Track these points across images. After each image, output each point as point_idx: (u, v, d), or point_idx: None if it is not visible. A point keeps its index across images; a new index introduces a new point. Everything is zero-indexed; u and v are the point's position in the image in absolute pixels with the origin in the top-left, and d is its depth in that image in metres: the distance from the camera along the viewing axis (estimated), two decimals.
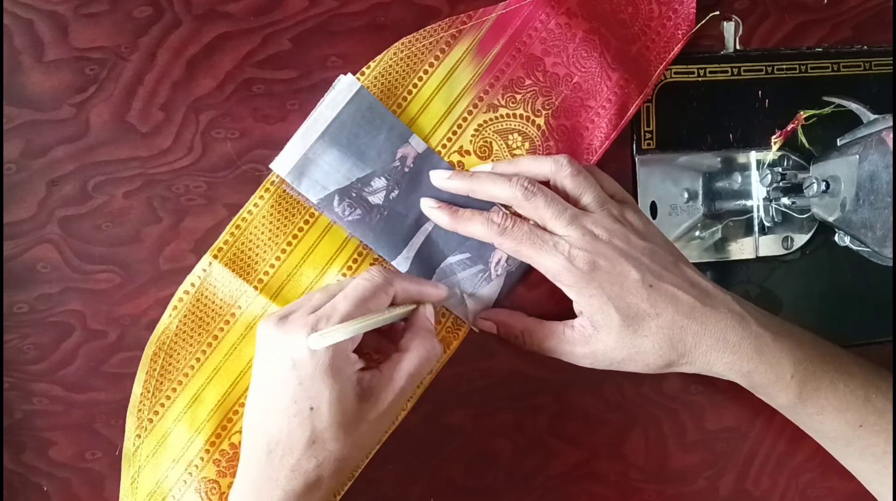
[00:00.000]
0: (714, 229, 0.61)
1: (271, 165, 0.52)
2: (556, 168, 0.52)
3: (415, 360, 0.48)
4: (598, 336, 0.51)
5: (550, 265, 0.51)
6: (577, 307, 0.52)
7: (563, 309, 0.53)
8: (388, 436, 0.54)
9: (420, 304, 0.51)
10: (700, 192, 0.60)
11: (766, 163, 0.60)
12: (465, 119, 0.55)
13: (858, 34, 0.62)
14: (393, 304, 0.49)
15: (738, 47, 0.60)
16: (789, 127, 0.60)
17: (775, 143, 0.60)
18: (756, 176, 0.60)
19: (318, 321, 0.45)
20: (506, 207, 0.54)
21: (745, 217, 0.61)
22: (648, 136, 0.59)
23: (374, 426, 0.48)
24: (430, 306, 0.51)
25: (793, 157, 0.61)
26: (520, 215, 0.52)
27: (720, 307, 0.51)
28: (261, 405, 0.47)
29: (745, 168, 0.61)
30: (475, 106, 0.55)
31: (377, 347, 0.51)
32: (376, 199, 0.53)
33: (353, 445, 0.47)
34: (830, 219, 0.58)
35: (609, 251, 0.50)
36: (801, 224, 0.61)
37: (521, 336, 0.54)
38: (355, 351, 0.47)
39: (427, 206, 0.54)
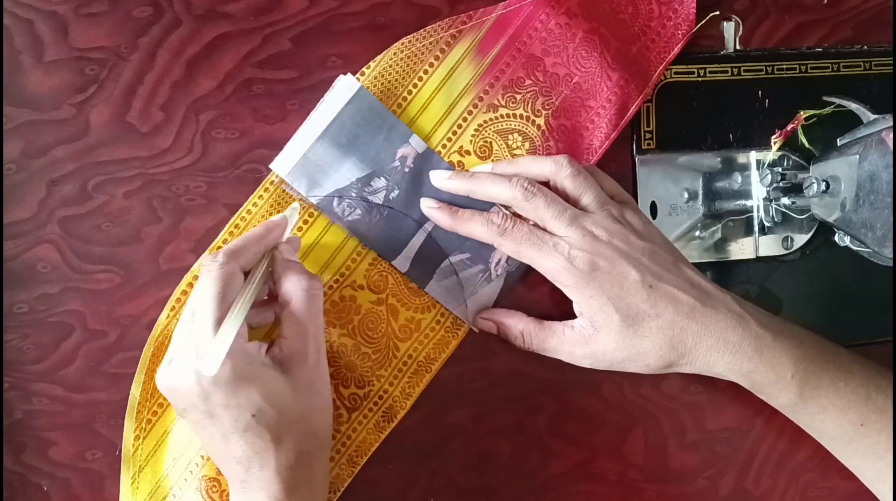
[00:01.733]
0: (714, 229, 0.61)
1: (271, 166, 0.52)
2: (556, 169, 0.52)
3: (300, 301, 0.47)
4: (598, 337, 0.51)
5: (550, 266, 0.51)
6: (577, 308, 0.52)
7: (563, 309, 0.53)
8: (387, 435, 0.54)
9: (270, 251, 0.48)
10: (700, 192, 0.60)
11: (766, 163, 0.60)
12: (465, 119, 0.55)
13: (858, 34, 0.62)
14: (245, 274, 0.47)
15: (738, 47, 0.60)
16: (789, 127, 0.60)
17: (775, 143, 0.60)
18: (756, 176, 0.60)
19: (197, 345, 0.44)
20: (506, 207, 0.54)
21: (745, 217, 0.61)
22: (648, 136, 0.59)
23: (318, 382, 0.47)
24: (281, 244, 0.49)
25: (793, 157, 0.61)
26: (520, 216, 0.52)
27: (720, 308, 0.51)
28: (212, 441, 0.46)
29: (745, 168, 0.61)
30: (475, 106, 0.55)
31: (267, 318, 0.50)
32: (376, 199, 0.53)
33: (311, 409, 0.47)
34: (830, 219, 0.58)
35: (609, 252, 0.50)
36: (801, 224, 0.61)
37: (521, 337, 0.54)
38: (252, 338, 0.46)
39: (427, 206, 0.53)
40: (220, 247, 0.52)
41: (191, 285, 0.52)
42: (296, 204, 0.52)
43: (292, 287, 0.47)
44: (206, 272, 0.45)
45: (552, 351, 0.54)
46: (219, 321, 0.44)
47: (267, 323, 0.50)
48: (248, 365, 0.45)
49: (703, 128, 0.60)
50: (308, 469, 0.47)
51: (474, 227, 0.52)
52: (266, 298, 0.50)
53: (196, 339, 0.44)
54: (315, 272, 0.53)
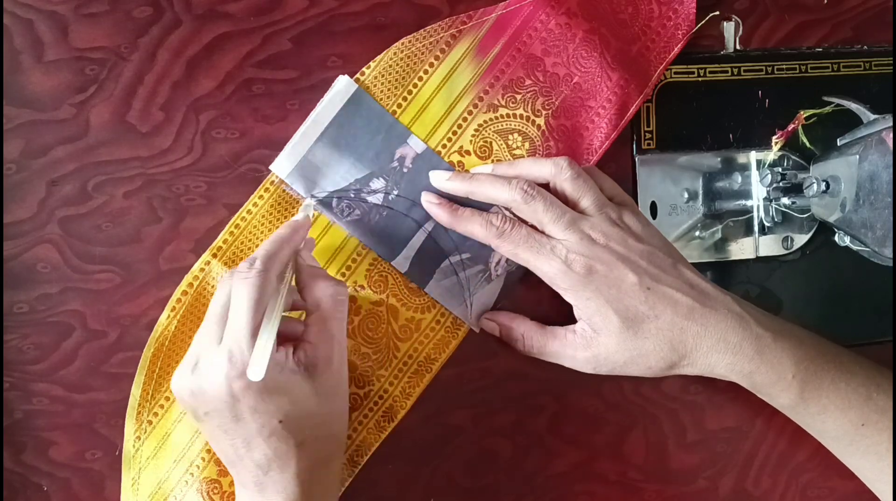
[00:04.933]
0: (714, 229, 0.61)
1: (270, 167, 0.52)
2: (555, 171, 0.52)
3: (328, 307, 0.47)
4: (598, 339, 0.51)
5: (547, 269, 0.51)
6: (576, 312, 0.52)
7: (563, 310, 0.53)
8: (387, 435, 0.54)
9: (294, 258, 0.48)
10: (700, 192, 0.60)
11: (767, 163, 0.60)
12: (465, 119, 0.55)
13: (858, 34, 0.62)
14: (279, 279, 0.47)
15: (738, 47, 0.60)
16: (790, 127, 0.60)
17: (776, 143, 0.60)
18: (756, 176, 0.60)
19: (230, 351, 0.44)
20: (506, 208, 0.54)
21: (745, 217, 0.61)
22: (648, 136, 0.59)
23: (338, 385, 0.47)
24: (303, 251, 0.49)
25: (793, 157, 0.61)
26: (519, 218, 0.53)
27: (720, 308, 0.51)
28: (232, 445, 0.46)
29: (745, 168, 0.61)
30: (475, 106, 0.55)
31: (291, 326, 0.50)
32: (375, 199, 0.53)
33: (332, 413, 0.47)
34: (830, 219, 0.58)
35: (606, 255, 0.50)
36: (801, 224, 0.61)
37: (522, 340, 0.54)
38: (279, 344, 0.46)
39: (427, 201, 0.53)
40: (220, 247, 0.52)
41: (191, 284, 0.52)
42: (309, 200, 0.52)
43: (320, 293, 0.47)
44: (244, 279, 0.45)
45: (554, 356, 0.54)
46: (256, 329, 0.44)
47: (296, 332, 0.49)
48: (279, 372, 0.45)
49: (703, 128, 0.60)
50: (325, 472, 0.48)
51: (473, 227, 0.52)
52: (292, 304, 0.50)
53: (230, 344, 0.44)
54: None
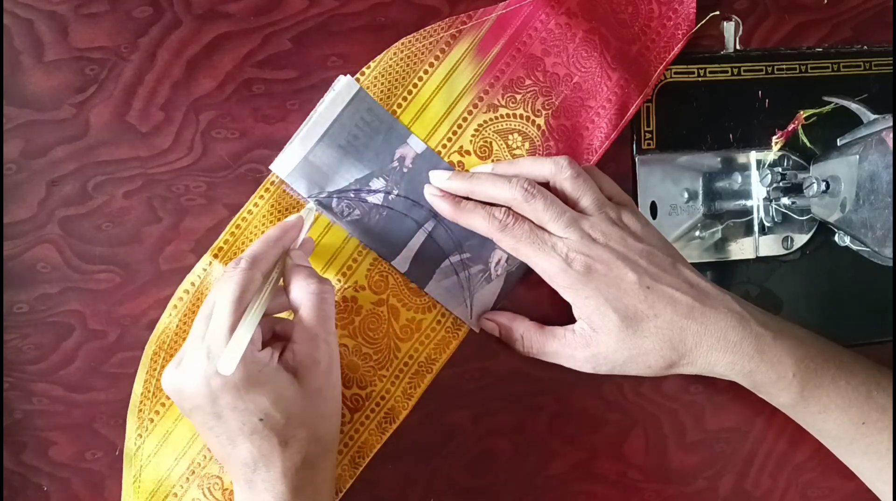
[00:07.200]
0: (714, 229, 0.61)
1: (271, 167, 0.52)
2: (555, 170, 0.52)
3: (310, 306, 0.46)
4: (597, 338, 0.51)
5: (547, 266, 0.51)
6: (575, 311, 0.52)
7: (563, 311, 0.53)
8: (388, 436, 0.54)
9: (283, 255, 0.48)
10: (700, 192, 0.60)
11: (767, 163, 0.60)
12: (465, 119, 0.55)
13: (858, 34, 0.62)
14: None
15: (738, 47, 0.60)
16: (790, 127, 0.60)
17: (776, 143, 0.60)
18: (756, 176, 0.60)
19: (209, 347, 0.44)
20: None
21: (745, 217, 0.61)
22: (648, 136, 0.59)
23: (327, 388, 0.47)
24: (293, 250, 0.49)
25: (793, 157, 0.61)
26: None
27: (720, 307, 0.51)
28: (218, 442, 0.46)
29: (745, 168, 0.61)
30: (475, 106, 0.55)
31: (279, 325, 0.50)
32: (375, 199, 0.53)
33: (320, 416, 0.47)
34: (830, 219, 0.58)
35: (606, 255, 0.50)
36: (801, 224, 0.61)
37: (521, 340, 0.54)
38: (264, 343, 0.46)
39: (430, 193, 0.53)
40: (221, 248, 0.52)
41: (193, 284, 0.52)
42: (311, 204, 0.52)
43: (301, 292, 0.47)
44: (227, 278, 0.46)
45: (553, 356, 0.54)
46: (234, 326, 0.44)
47: (288, 332, 0.49)
48: (259, 371, 0.45)
49: (703, 128, 0.60)
50: (313, 472, 0.47)
51: (476, 219, 0.52)
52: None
53: (209, 341, 0.44)
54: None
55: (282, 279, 0.48)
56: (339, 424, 0.50)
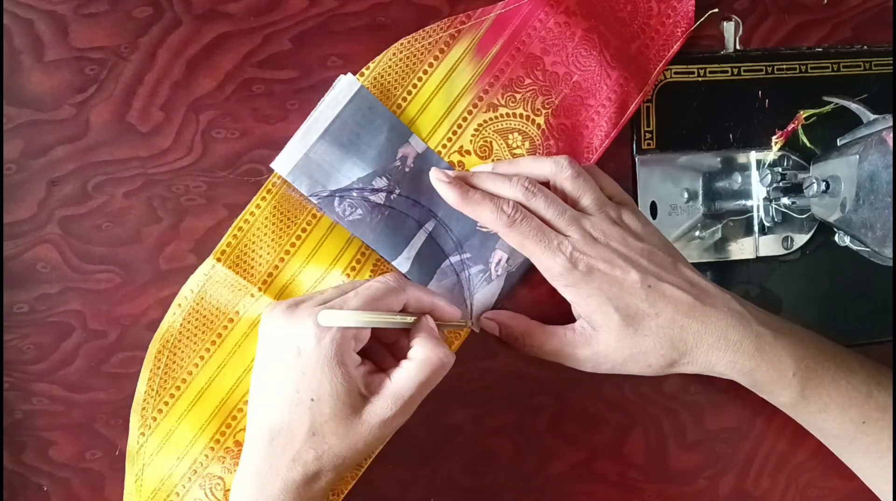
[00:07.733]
0: (714, 229, 0.61)
1: (272, 165, 0.52)
2: (556, 169, 0.52)
3: (426, 368, 0.47)
4: (598, 337, 0.51)
5: (551, 264, 0.51)
6: (575, 311, 0.52)
7: (563, 309, 0.53)
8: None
9: (424, 313, 0.49)
10: (700, 192, 0.60)
11: (766, 163, 0.60)
12: (465, 119, 0.55)
13: (858, 34, 0.62)
14: (403, 311, 0.48)
15: (738, 47, 0.60)
16: (790, 127, 0.60)
17: (776, 143, 0.60)
18: (756, 176, 0.60)
19: (328, 306, 0.46)
20: None
21: (745, 217, 0.61)
22: (648, 136, 0.59)
23: (375, 430, 0.46)
24: (432, 319, 0.49)
25: (793, 157, 0.61)
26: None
27: (720, 306, 0.51)
28: (263, 392, 0.47)
29: (745, 168, 0.61)
30: (475, 106, 0.55)
31: (381, 357, 0.50)
32: (377, 199, 0.53)
33: (352, 443, 0.46)
34: (830, 219, 0.58)
35: (607, 254, 0.50)
36: (801, 224, 0.61)
37: (522, 339, 0.54)
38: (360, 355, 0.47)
39: (437, 179, 0.52)
40: (224, 251, 0.52)
41: (198, 283, 0.52)
42: (471, 323, 0.55)
43: (426, 349, 0.47)
44: (384, 282, 0.48)
45: (553, 354, 0.54)
46: (359, 308, 0.46)
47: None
48: (345, 361, 0.45)
49: (703, 128, 0.60)
50: (308, 489, 0.47)
51: (483, 211, 0.51)
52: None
53: (332, 305, 0.46)
54: (321, 274, 0.53)
55: (409, 332, 0.49)
56: (364, 466, 0.52)
